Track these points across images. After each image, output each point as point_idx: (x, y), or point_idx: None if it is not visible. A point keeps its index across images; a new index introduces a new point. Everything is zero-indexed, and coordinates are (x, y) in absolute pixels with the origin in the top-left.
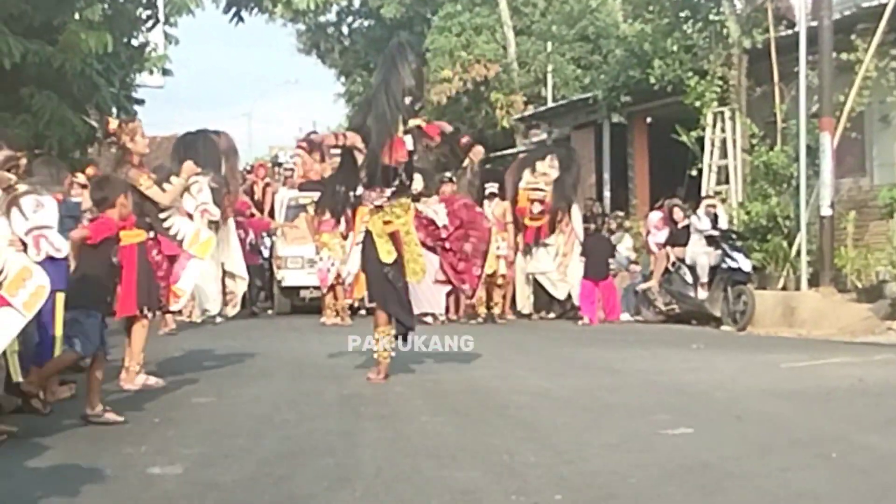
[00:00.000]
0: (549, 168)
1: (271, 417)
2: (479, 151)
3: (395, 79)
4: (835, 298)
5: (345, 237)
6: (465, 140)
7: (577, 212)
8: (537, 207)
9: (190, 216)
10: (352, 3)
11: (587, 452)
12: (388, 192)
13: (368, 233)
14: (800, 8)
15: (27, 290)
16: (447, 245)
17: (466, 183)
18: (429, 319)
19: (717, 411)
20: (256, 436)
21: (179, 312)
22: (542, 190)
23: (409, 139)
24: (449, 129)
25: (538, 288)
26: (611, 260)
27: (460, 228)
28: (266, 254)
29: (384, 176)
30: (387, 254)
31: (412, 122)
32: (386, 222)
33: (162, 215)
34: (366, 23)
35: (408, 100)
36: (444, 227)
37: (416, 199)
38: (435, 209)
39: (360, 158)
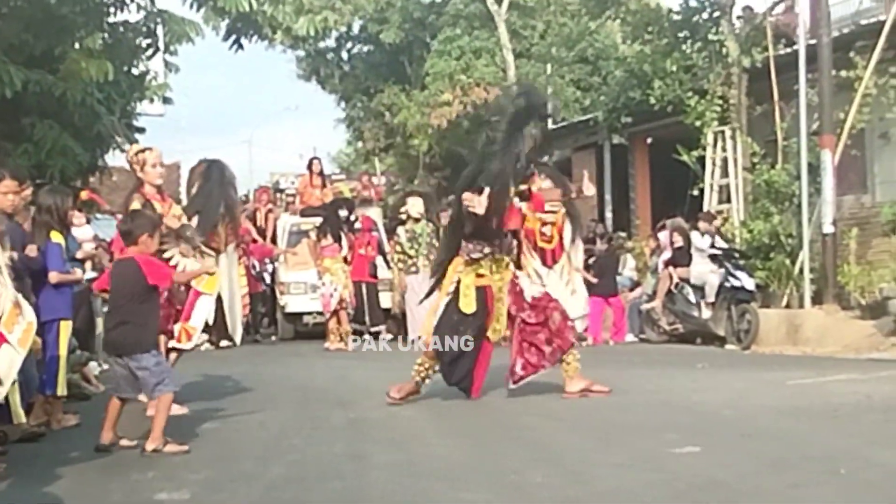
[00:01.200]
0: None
1: (278, 442)
2: None
3: (517, 143)
4: (838, 316)
5: (347, 262)
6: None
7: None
8: (548, 229)
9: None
10: (351, 28)
11: (597, 472)
12: (488, 249)
13: (458, 283)
14: (799, 26)
15: (20, 327)
16: (523, 326)
17: None
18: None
19: (726, 429)
20: (263, 461)
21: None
22: (553, 212)
23: (522, 205)
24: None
25: None
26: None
27: (543, 325)
28: (269, 280)
29: (490, 235)
30: (467, 306)
31: (523, 186)
32: (479, 275)
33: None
34: (365, 48)
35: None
36: (531, 305)
37: (517, 263)
38: (532, 278)
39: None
